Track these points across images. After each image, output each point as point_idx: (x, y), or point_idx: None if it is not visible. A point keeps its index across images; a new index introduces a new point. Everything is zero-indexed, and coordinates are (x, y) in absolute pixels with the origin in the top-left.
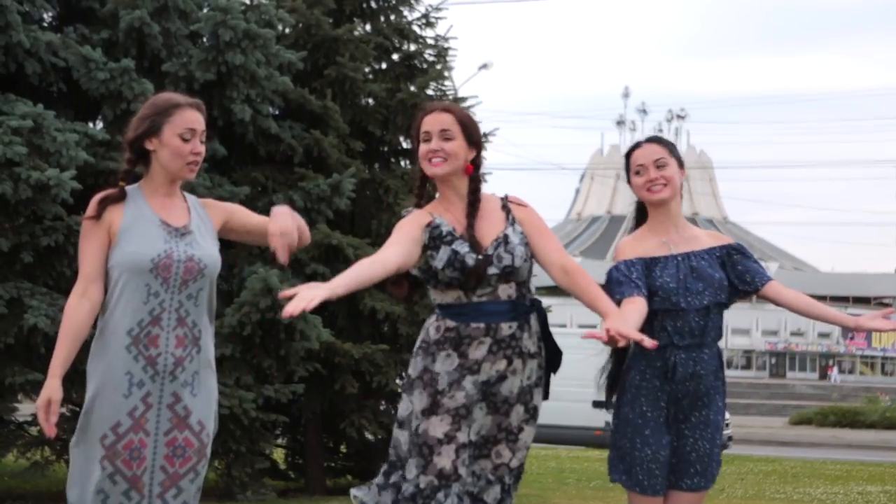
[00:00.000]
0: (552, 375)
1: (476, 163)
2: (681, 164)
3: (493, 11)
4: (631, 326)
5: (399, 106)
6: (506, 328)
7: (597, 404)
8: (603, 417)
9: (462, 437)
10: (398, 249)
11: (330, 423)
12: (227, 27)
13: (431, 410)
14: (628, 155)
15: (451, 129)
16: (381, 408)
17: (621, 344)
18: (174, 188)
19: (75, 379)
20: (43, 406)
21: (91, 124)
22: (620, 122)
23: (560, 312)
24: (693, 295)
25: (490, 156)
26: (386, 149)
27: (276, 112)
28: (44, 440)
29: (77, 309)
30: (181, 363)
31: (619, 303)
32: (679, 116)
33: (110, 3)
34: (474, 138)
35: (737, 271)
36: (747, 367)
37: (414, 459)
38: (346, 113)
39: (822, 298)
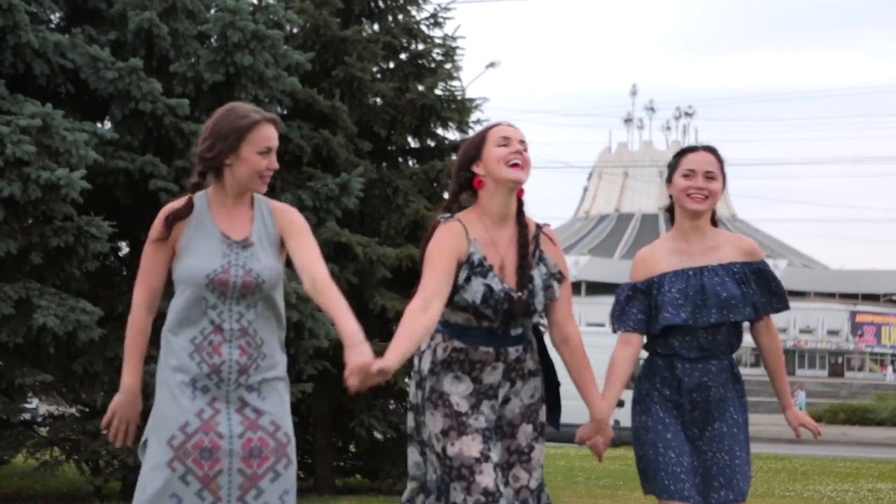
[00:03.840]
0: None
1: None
2: (724, 183)
3: (500, 10)
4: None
5: (407, 106)
6: (513, 352)
7: None
8: (612, 416)
9: (495, 457)
10: (442, 298)
11: (339, 422)
12: (236, 28)
13: (460, 431)
14: (680, 154)
15: (525, 141)
16: (391, 407)
17: None
18: (243, 198)
19: (85, 380)
20: (108, 419)
21: (99, 124)
22: (628, 120)
23: None
24: (701, 312)
25: None
26: (394, 148)
27: (285, 112)
28: (53, 440)
29: (144, 324)
30: (246, 371)
31: (615, 332)
32: (687, 114)
33: (118, 3)
34: None
35: (751, 295)
36: (756, 364)
37: (456, 483)
38: (353, 113)
39: (831, 296)
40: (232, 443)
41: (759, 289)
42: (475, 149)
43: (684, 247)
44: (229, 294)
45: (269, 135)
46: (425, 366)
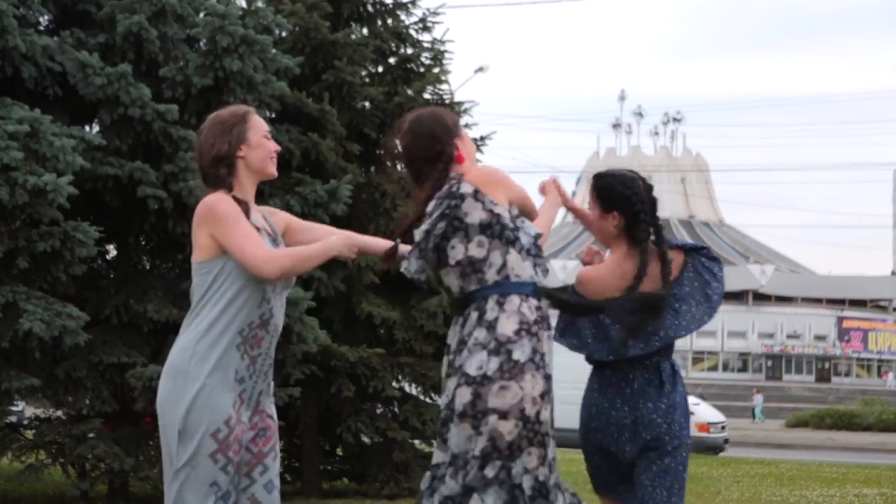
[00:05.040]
0: None
1: None
2: None
3: (489, 15)
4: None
5: (396, 109)
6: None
7: None
8: None
9: None
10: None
11: (326, 426)
12: (225, 33)
13: (547, 397)
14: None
15: None
16: (378, 411)
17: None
18: (253, 195)
19: (69, 385)
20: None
21: (87, 128)
22: (616, 125)
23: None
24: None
25: (486, 159)
26: (382, 152)
27: (273, 116)
28: (39, 444)
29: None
30: (269, 360)
31: None
32: (675, 119)
33: (107, 7)
34: None
35: None
36: (744, 369)
37: (535, 449)
38: (343, 116)
39: (818, 301)
40: (245, 427)
41: None
42: (453, 125)
43: None
44: (278, 287)
45: (262, 120)
46: (509, 330)
